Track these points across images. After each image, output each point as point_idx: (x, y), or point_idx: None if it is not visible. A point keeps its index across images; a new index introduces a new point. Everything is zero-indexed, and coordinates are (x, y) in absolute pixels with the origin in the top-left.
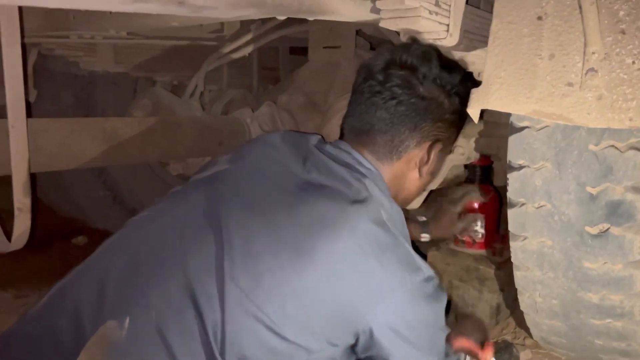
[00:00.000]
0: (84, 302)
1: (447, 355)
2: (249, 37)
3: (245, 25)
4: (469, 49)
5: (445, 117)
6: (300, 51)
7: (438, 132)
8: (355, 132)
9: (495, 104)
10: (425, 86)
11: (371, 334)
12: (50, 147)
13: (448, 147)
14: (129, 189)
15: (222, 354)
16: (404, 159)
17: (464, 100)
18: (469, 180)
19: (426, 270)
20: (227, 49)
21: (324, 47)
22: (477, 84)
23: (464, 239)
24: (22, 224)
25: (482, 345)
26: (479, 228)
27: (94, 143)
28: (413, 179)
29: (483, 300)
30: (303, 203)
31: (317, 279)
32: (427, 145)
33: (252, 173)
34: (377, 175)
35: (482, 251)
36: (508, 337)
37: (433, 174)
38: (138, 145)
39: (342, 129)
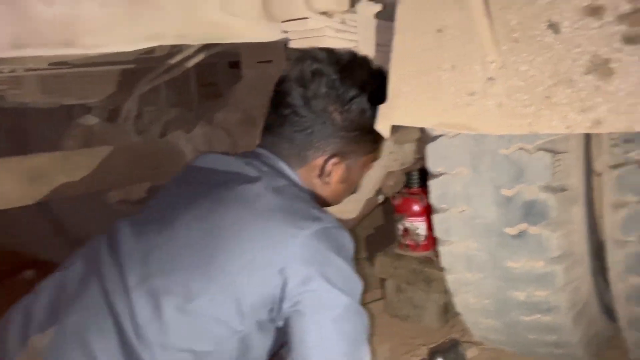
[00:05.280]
0: None
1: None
2: (181, 56)
3: (177, 44)
4: (385, 61)
5: (340, 133)
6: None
7: (334, 147)
8: (268, 138)
9: (402, 119)
10: (315, 103)
11: (284, 283)
12: None
13: (359, 158)
14: (71, 218)
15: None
16: (305, 167)
17: (364, 114)
18: (408, 185)
19: (327, 220)
20: (160, 70)
21: (258, 62)
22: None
23: (408, 242)
24: None
25: None
26: (421, 231)
27: (16, 183)
28: (320, 185)
29: (431, 301)
30: (213, 198)
31: (233, 252)
32: (324, 158)
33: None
34: (275, 160)
35: (427, 253)
36: (456, 335)
37: (349, 183)
38: (65, 181)
39: (261, 135)
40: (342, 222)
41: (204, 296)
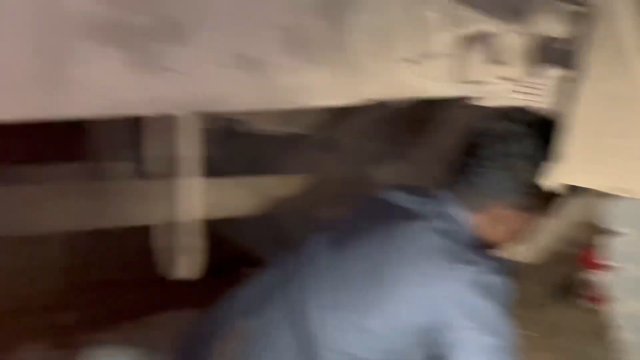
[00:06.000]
0: None
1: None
2: None
3: None
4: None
5: (525, 190)
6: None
7: (516, 201)
8: (454, 182)
9: (573, 179)
10: (508, 160)
11: (444, 326)
12: None
13: (534, 213)
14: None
15: None
16: (482, 213)
17: None
18: None
19: (484, 264)
20: (374, 106)
21: (459, 107)
22: None
23: (588, 294)
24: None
25: None
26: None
27: (248, 198)
28: (492, 232)
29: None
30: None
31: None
32: (504, 208)
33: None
34: (452, 204)
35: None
36: None
37: (517, 234)
38: (283, 199)
39: (448, 177)
40: (513, 263)
41: (376, 317)
